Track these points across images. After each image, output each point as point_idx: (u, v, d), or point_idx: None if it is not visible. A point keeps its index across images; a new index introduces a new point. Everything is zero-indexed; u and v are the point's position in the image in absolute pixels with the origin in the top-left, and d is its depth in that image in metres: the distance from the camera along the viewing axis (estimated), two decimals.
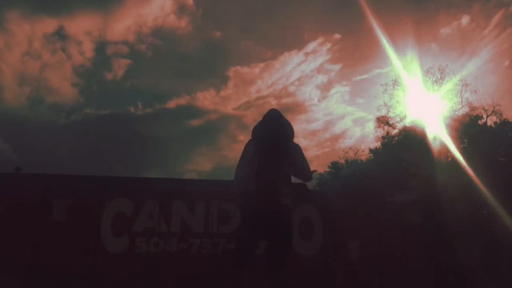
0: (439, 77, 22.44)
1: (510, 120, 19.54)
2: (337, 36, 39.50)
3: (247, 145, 3.36)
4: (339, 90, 41.20)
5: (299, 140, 40.57)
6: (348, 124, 40.47)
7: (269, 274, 3.06)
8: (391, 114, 23.35)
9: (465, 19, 32.20)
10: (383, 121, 23.36)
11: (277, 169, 3.20)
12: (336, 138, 39.24)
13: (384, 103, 23.52)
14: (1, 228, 4.72)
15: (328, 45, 40.99)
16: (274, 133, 3.27)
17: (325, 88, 41.89)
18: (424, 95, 22.42)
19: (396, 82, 23.35)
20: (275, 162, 3.21)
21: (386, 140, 22.46)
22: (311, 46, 39.61)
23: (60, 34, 39.87)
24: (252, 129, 3.40)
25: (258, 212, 3.11)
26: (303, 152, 3.46)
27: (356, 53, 40.85)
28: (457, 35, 31.58)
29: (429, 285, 5.28)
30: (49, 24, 39.60)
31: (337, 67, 42.69)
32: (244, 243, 3.20)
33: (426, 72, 22.57)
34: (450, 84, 22.27)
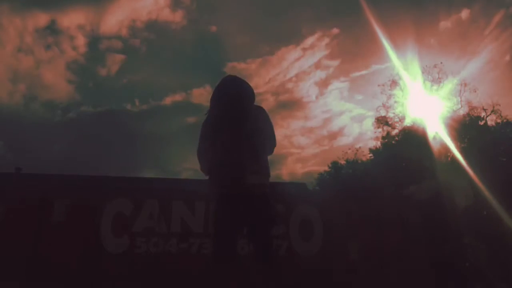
0: (438, 76, 22.48)
1: (510, 120, 19.55)
2: (335, 30, 39.49)
3: (203, 125, 2.97)
4: (338, 86, 41.23)
5: (297, 137, 40.49)
6: (346, 121, 40.46)
7: (259, 267, 2.85)
8: (390, 114, 23.40)
9: (465, 19, 32.24)
10: (382, 121, 23.40)
11: (241, 141, 2.77)
12: (334, 135, 39.23)
13: (383, 103, 23.56)
14: (1, 228, 4.71)
15: (326, 40, 40.94)
16: (229, 97, 2.84)
17: (323, 84, 41.80)
18: (423, 95, 22.46)
19: (395, 82, 23.39)
20: (237, 132, 2.79)
21: (386, 140, 22.48)
22: (308, 41, 39.59)
23: (52, 29, 39.69)
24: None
25: (228, 199, 2.79)
26: (269, 117, 2.99)
27: (355, 48, 40.86)
28: (456, 35, 31.63)
29: (430, 285, 5.27)
30: (40, 18, 39.37)
31: (335, 63, 42.70)
32: (220, 238, 2.89)
33: (426, 71, 22.62)
34: (450, 84, 22.33)
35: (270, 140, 2.97)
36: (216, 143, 2.81)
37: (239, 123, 2.81)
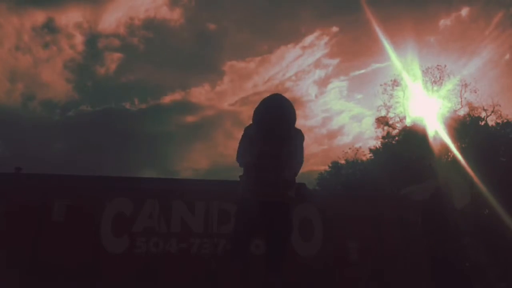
0: (439, 77, 22.48)
1: (510, 120, 19.55)
2: (335, 29, 39.30)
3: (247, 129, 3.22)
4: (337, 85, 41.04)
5: None
6: (346, 120, 40.43)
7: (267, 274, 2.95)
8: (391, 114, 23.39)
9: (465, 18, 32.25)
10: (383, 121, 23.39)
11: (279, 155, 3.03)
12: (334, 134, 39.13)
13: (384, 103, 23.56)
14: (1, 228, 4.71)
15: (326, 38, 40.74)
16: (275, 116, 3.08)
17: (323, 83, 41.63)
18: (424, 95, 22.46)
19: (396, 82, 23.40)
20: (277, 147, 3.04)
21: (386, 140, 22.47)
22: (308, 39, 39.44)
23: (50, 27, 39.46)
24: (253, 111, 3.24)
25: (258, 205, 2.95)
26: (303, 141, 3.27)
27: (355, 47, 40.64)
28: (457, 34, 31.63)
29: (430, 284, 5.28)
30: (38, 17, 39.09)
31: (335, 61, 42.50)
32: (238, 238, 3.05)
33: (426, 72, 22.63)
34: (450, 84, 22.33)
35: (298, 162, 3.22)
36: (255, 154, 3.05)
37: (280, 142, 3.07)
